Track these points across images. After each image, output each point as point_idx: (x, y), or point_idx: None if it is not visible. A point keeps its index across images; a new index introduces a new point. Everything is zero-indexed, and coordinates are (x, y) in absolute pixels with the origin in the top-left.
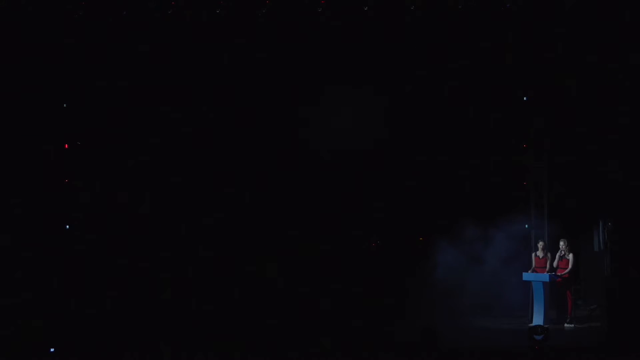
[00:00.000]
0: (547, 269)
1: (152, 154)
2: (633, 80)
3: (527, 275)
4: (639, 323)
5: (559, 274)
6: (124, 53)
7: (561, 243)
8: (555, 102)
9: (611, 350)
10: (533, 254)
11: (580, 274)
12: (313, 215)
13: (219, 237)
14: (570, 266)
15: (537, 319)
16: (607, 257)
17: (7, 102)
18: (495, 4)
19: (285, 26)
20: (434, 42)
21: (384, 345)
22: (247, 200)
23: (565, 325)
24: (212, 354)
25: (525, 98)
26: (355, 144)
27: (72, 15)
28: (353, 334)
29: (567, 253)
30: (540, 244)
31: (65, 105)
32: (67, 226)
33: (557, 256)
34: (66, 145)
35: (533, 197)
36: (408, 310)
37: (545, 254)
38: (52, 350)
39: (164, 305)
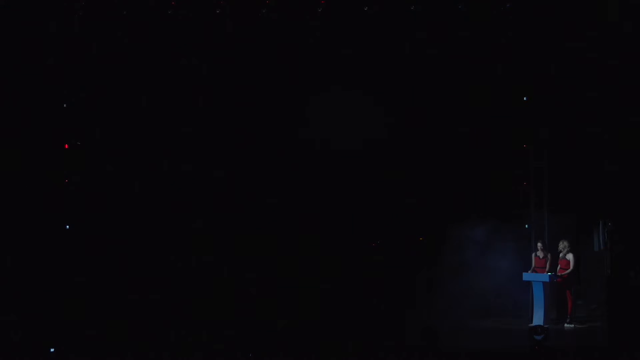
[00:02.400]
0: (547, 269)
1: (152, 154)
2: (633, 79)
3: (527, 275)
4: (639, 323)
5: (559, 274)
6: (124, 53)
7: (561, 243)
8: (556, 101)
9: (611, 350)
10: (533, 254)
11: (580, 274)
12: (313, 215)
13: (219, 237)
14: (570, 266)
15: (537, 319)
16: (607, 257)
17: (7, 102)
18: (495, 4)
19: (285, 26)
20: (433, 41)
21: (383, 345)
22: (246, 200)
23: (565, 325)
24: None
25: (525, 98)
26: (354, 144)
27: (72, 15)
28: (352, 333)
29: (567, 253)
30: (540, 244)
31: (65, 105)
32: (67, 226)
33: (558, 256)
34: (66, 146)
35: (533, 197)
36: (408, 310)
37: (545, 254)
38: (52, 350)
39: (164, 305)
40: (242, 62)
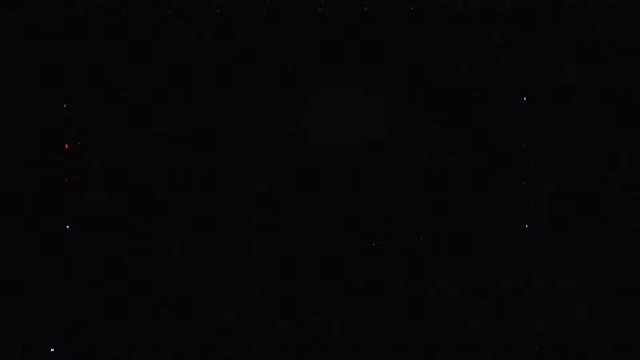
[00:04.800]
0: None
1: (151, 154)
2: (633, 79)
3: None
4: (638, 322)
5: None
6: (124, 52)
7: None
8: (556, 101)
9: (611, 350)
10: None
11: None
12: (313, 215)
13: (221, 236)
14: None
15: None
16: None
17: (7, 102)
18: (495, 3)
19: (285, 25)
20: (433, 41)
21: (381, 344)
22: (246, 200)
23: None
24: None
25: (525, 98)
26: (354, 144)
27: (72, 15)
28: (351, 333)
29: None
30: None
31: (65, 105)
32: (67, 226)
33: None
34: (66, 146)
35: (533, 196)
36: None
37: None
38: (52, 350)
39: (165, 305)
40: (240, 61)
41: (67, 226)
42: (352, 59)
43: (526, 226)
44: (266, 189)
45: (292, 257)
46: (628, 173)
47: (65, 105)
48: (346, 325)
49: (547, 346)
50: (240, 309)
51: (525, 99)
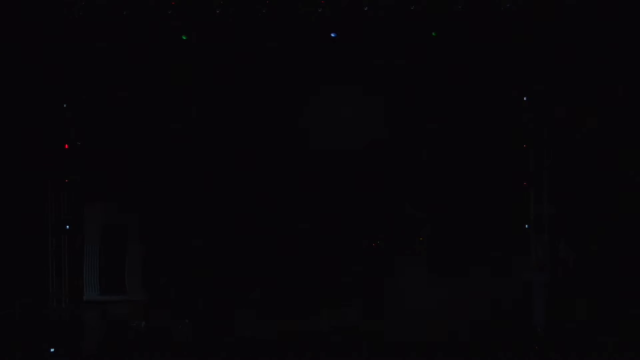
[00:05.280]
0: None
1: (150, 154)
2: (633, 80)
3: (527, 275)
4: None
5: None
6: (124, 53)
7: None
8: (556, 102)
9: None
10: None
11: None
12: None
13: (218, 238)
14: None
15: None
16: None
17: (7, 102)
18: (495, 3)
19: (285, 26)
20: (433, 41)
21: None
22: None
23: None
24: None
25: (525, 98)
26: (354, 144)
27: (72, 15)
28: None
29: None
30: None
31: (65, 105)
32: (67, 226)
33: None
34: (66, 146)
35: (533, 197)
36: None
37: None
38: (52, 350)
39: (165, 305)
40: (240, 61)
41: (67, 226)
42: (352, 59)
43: (526, 226)
44: (266, 189)
45: (292, 257)
46: (628, 173)
47: (65, 105)
48: (346, 325)
49: (547, 346)
50: (240, 309)
51: (525, 99)
